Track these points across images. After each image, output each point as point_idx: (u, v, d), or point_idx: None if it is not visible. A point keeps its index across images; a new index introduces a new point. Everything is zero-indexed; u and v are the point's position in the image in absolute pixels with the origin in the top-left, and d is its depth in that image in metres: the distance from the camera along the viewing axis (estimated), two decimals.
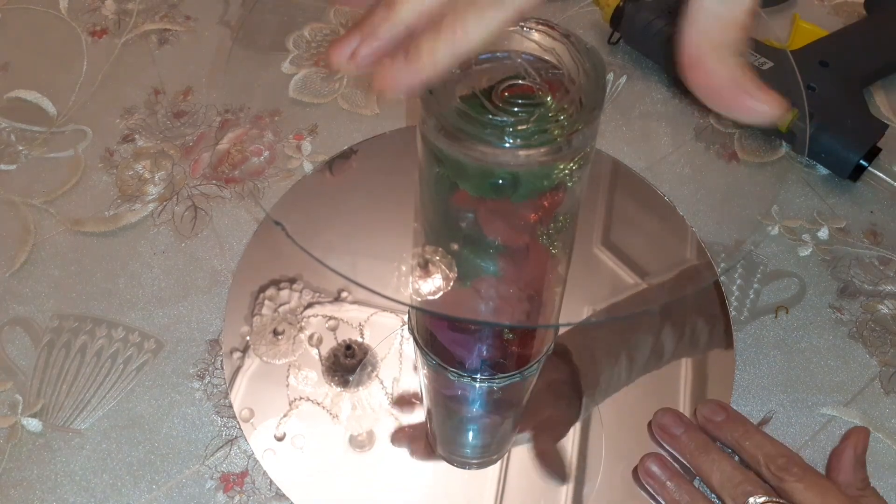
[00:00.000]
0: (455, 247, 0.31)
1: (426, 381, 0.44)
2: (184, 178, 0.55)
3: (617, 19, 0.60)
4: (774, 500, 0.34)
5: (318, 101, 0.59)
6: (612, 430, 0.44)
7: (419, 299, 0.33)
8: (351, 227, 0.51)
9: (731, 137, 0.58)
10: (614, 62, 0.62)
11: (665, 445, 0.41)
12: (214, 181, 0.55)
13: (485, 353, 0.38)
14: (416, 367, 0.45)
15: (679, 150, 0.57)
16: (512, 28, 0.29)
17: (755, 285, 0.50)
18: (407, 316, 0.43)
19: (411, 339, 0.46)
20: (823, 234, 0.52)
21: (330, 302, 0.49)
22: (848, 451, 0.40)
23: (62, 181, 0.54)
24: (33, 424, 0.44)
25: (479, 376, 0.39)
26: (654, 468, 0.39)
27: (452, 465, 0.43)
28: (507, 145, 0.25)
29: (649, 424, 0.42)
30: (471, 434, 0.45)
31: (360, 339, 0.47)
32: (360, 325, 0.48)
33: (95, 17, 0.65)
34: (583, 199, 0.32)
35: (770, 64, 0.55)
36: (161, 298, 0.49)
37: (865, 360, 0.47)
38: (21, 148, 0.56)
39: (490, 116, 0.26)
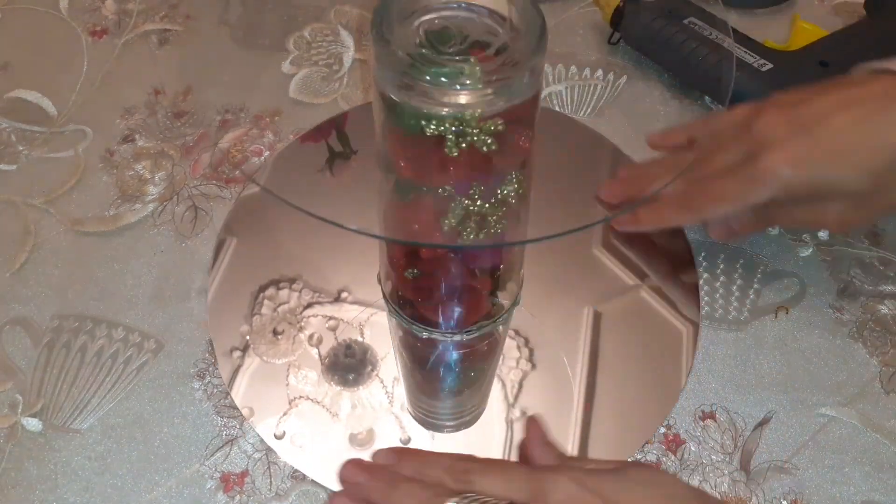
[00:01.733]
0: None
1: (399, 343, 0.44)
2: (184, 178, 0.55)
3: (617, 19, 0.60)
4: (466, 497, 0.34)
5: (318, 101, 0.59)
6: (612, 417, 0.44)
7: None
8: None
9: None
10: (614, 62, 0.62)
11: (357, 497, 0.39)
12: (214, 181, 0.55)
13: (450, 305, 0.40)
14: (389, 331, 0.46)
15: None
16: None
17: (755, 285, 0.50)
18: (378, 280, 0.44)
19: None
20: (824, 234, 0.52)
21: (330, 302, 0.49)
22: (529, 436, 0.41)
23: (62, 181, 0.54)
24: (33, 424, 0.44)
25: (445, 330, 0.40)
26: (349, 475, 0.39)
27: (427, 428, 0.44)
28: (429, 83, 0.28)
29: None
30: (442, 393, 0.46)
31: (359, 339, 0.47)
32: (360, 324, 0.48)
33: (95, 17, 0.65)
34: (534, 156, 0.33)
35: (769, 65, 0.55)
36: (161, 298, 0.49)
37: (865, 360, 0.47)
38: (21, 148, 0.56)
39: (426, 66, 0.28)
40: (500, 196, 0.32)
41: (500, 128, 0.29)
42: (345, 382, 0.45)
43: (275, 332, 0.47)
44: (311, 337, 0.47)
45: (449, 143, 0.29)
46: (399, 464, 0.38)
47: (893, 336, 0.48)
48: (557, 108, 0.59)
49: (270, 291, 0.49)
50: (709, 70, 0.56)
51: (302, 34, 0.64)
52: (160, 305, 0.49)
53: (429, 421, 0.45)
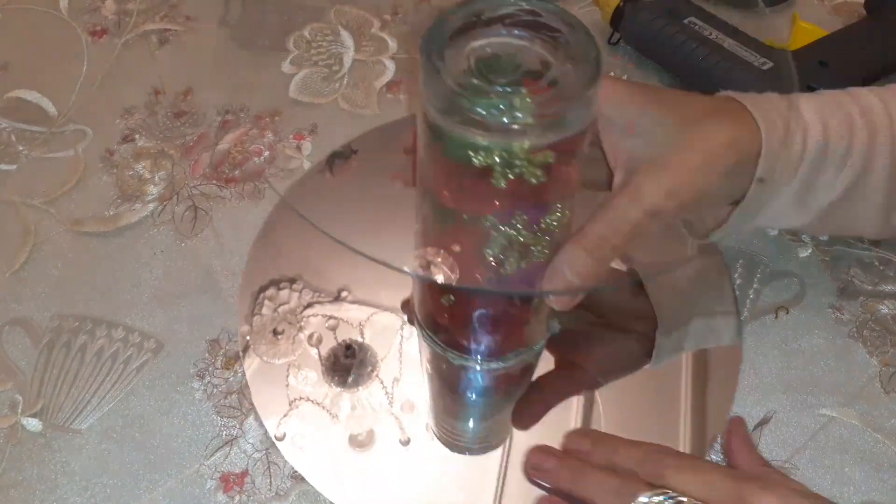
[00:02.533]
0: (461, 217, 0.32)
1: (427, 366, 0.44)
2: (184, 178, 0.55)
3: (617, 19, 0.60)
4: (660, 492, 0.34)
5: (318, 101, 0.59)
6: (613, 417, 0.44)
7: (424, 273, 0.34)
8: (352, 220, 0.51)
9: None
10: (614, 62, 0.62)
11: (544, 483, 0.40)
12: (214, 181, 0.55)
13: (486, 332, 0.39)
14: (419, 353, 0.45)
15: None
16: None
17: (755, 285, 0.50)
18: (409, 301, 0.44)
19: (412, 337, 0.46)
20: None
21: (330, 302, 0.49)
22: (733, 438, 0.40)
23: (62, 181, 0.54)
24: (33, 424, 0.44)
25: (480, 358, 0.39)
26: (539, 461, 0.39)
27: (452, 450, 0.44)
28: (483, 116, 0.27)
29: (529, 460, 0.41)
30: (471, 417, 0.45)
31: (360, 339, 0.47)
32: (360, 324, 0.48)
33: (95, 17, 0.65)
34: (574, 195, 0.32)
35: (770, 64, 0.55)
36: (161, 298, 0.49)
37: (865, 360, 0.47)
38: (21, 148, 0.56)
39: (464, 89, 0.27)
40: (543, 226, 0.31)
41: (549, 160, 0.28)
42: (344, 383, 0.45)
43: (275, 333, 0.47)
44: (311, 337, 0.47)
45: (496, 175, 0.28)
46: (591, 450, 0.38)
47: (893, 336, 0.48)
48: None
49: (270, 291, 0.49)
50: (709, 70, 0.56)
51: (302, 34, 0.64)
52: (160, 305, 0.49)
53: (455, 443, 0.44)
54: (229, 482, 0.42)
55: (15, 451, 0.43)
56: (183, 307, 0.49)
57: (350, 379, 0.46)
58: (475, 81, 0.28)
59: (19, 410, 0.45)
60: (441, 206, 0.32)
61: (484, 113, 0.27)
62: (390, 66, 0.62)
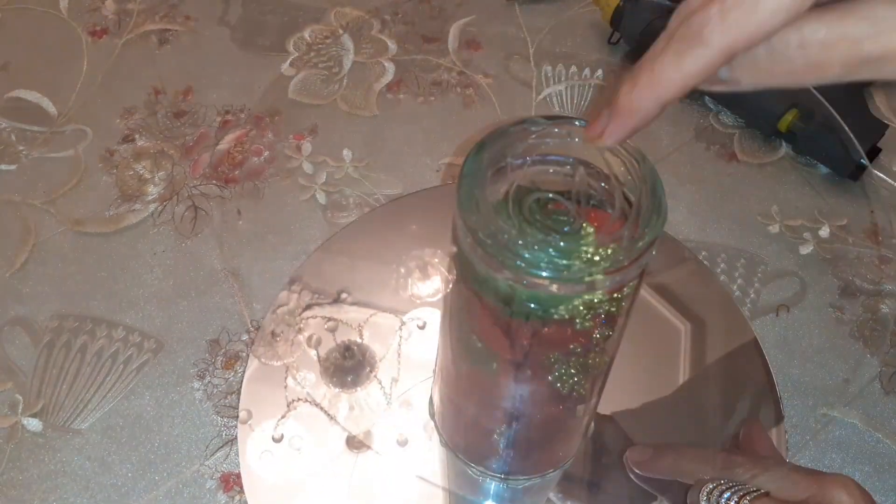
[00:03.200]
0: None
1: (449, 474, 0.43)
2: (184, 178, 0.55)
3: (617, 19, 0.60)
4: (724, 483, 0.34)
5: (318, 102, 0.59)
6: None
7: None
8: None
9: (731, 137, 0.58)
10: (614, 62, 0.62)
11: (646, 475, 0.40)
12: (214, 181, 0.55)
13: (509, 457, 0.38)
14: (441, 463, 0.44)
15: (679, 150, 0.57)
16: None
17: (756, 284, 0.50)
18: (429, 402, 0.44)
19: (410, 338, 0.46)
20: (824, 232, 0.52)
21: (329, 303, 0.49)
22: (753, 429, 0.40)
23: (62, 181, 0.55)
24: (33, 424, 0.44)
25: (500, 476, 0.39)
26: (638, 456, 0.39)
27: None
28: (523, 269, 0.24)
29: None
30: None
31: (359, 341, 0.47)
32: (359, 326, 0.48)
33: (95, 17, 0.65)
34: (616, 347, 0.30)
35: None
36: (161, 298, 0.49)
37: (866, 359, 0.47)
38: (21, 148, 0.57)
39: (520, 242, 0.24)
40: (589, 361, 0.29)
41: (630, 290, 0.26)
42: (343, 384, 0.45)
43: (273, 334, 0.47)
44: (309, 338, 0.47)
45: (579, 321, 0.25)
46: (652, 461, 0.38)
47: (893, 336, 0.48)
48: (557, 109, 0.59)
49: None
50: None
51: (302, 36, 0.64)
52: (160, 305, 0.49)
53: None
54: (229, 482, 0.42)
55: (15, 451, 0.44)
56: (183, 307, 0.49)
57: (349, 380, 0.46)
58: (530, 230, 0.25)
59: (19, 410, 0.45)
60: (500, 358, 0.29)
61: (561, 267, 0.24)
62: (390, 67, 0.62)
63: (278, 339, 0.47)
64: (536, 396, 0.32)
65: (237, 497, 0.42)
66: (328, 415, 0.44)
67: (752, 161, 0.56)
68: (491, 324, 0.28)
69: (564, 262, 0.24)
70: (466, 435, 0.39)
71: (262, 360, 0.46)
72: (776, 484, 0.33)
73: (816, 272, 0.50)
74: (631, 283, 0.26)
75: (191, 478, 0.43)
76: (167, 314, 0.48)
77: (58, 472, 0.43)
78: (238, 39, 0.64)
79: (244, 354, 0.47)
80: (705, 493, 0.33)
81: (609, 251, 0.24)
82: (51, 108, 0.59)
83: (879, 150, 0.53)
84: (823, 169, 0.55)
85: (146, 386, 0.46)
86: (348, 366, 0.46)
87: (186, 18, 0.65)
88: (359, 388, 0.45)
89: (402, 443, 0.44)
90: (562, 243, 0.24)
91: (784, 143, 0.57)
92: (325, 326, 0.48)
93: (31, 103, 0.59)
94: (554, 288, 0.24)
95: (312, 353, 0.47)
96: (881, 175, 0.53)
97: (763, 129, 0.57)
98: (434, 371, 0.42)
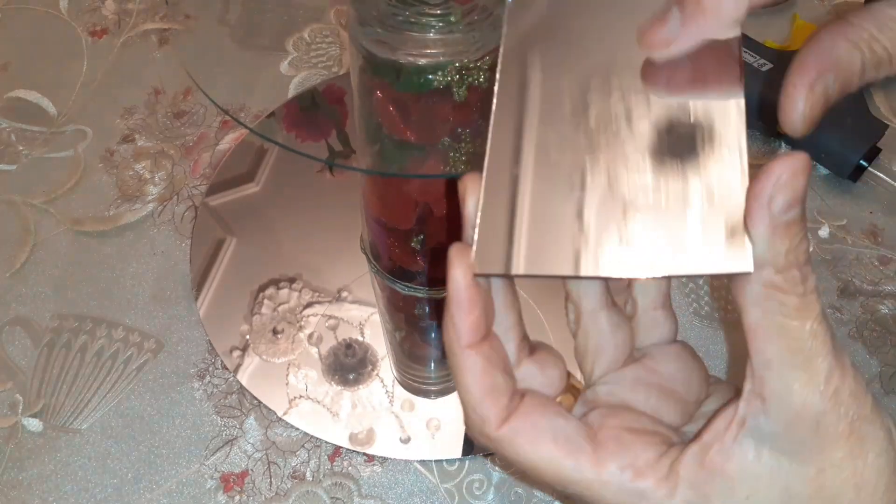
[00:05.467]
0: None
1: (381, 301, 0.44)
2: (184, 178, 0.55)
3: None
4: None
5: None
6: None
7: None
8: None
9: None
10: None
11: None
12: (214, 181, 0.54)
13: (426, 259, 0.39)
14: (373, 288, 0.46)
15: None
16: None
17: None
18: (360, 242, 0.44)
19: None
20: (824, 232, 0.52)
21: (330, 301, 0.49)
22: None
23: (62, 181, 0.54)
24: (33, 424, 0.44)
25: (426, 287, 0.40)
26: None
27: (411, 392, 0.44)
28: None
29: None
30: (431, 359, 0.46)
31: (360, 338, 0.47)
32: (360, 323, 0.48)
33: (95, 17, 0.65)
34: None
35: (769, 65, 0.55)
36: (161, 298, 0.49)
37: (866, 360, 0.47)
38: (21, 148, 0.56)
39: (398, 17, 0.29)
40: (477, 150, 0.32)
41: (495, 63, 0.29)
42: (345, 382, 0.45)
43: (274, 332, 0.47)
44: (310, 336, 0.47)
45: (456, 91, 0.29)
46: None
47: (893, 336, 0.48)
48: None
49: (270, 291, 0.49)
50: None
51: (302, 35, 0.64)
52: (160, 305, 0.49)
53: (415, 386, 0.45)
54: (229, 482, 0.42)
55: (15, 451, 0.43)
56: (183, 307, 0.49)
57: (350, 378, 0.46)
58: (408, 11, 0.29)
59: (19, 410, 0.45)
60: (399, 142, 0.32)
61: (434, 32, 0.28)
62: None
63: (280, 336, 0.47)
64: (437, 190, 0.34)
65: (237, 497, 0.42)
66: (330, 412, 0.44)
67: (752, 161, 0.56)
68: (387, 104, 0.31)
69: (433, 21, 0.29)
70: (390, 251, 0.40)
71: (264, 357, 0.46)
72: None
73: (816, 272, 0.51)
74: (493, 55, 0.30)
75: (191, 478, 0.43)
76: (167, 314, 0.48)
77: (58, 472, 0.43)
78: (238, 39, 0.64)
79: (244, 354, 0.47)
80: None
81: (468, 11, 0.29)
82: (51, 108, 0.59)
83: (879, 151, 0.53)
84: (823, 169, 0.56)
85: (146, 386, 0.46)
86: (350, 363, 0.46)
87: (186, 18, 0.65)
88: (361, 386, 0.45)
89: (405, 441, 0.44)
90: (433, 12, 0.29)
91: (784, 144, 0.57)
92: (327, 324, 0.48)
93: (31, 103, 0.59)
94: (428, 51, 0.28)
95: (314, 350, 0.47)
96: (881, 175, 0.53)
97: (763, 129, 0.57)
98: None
